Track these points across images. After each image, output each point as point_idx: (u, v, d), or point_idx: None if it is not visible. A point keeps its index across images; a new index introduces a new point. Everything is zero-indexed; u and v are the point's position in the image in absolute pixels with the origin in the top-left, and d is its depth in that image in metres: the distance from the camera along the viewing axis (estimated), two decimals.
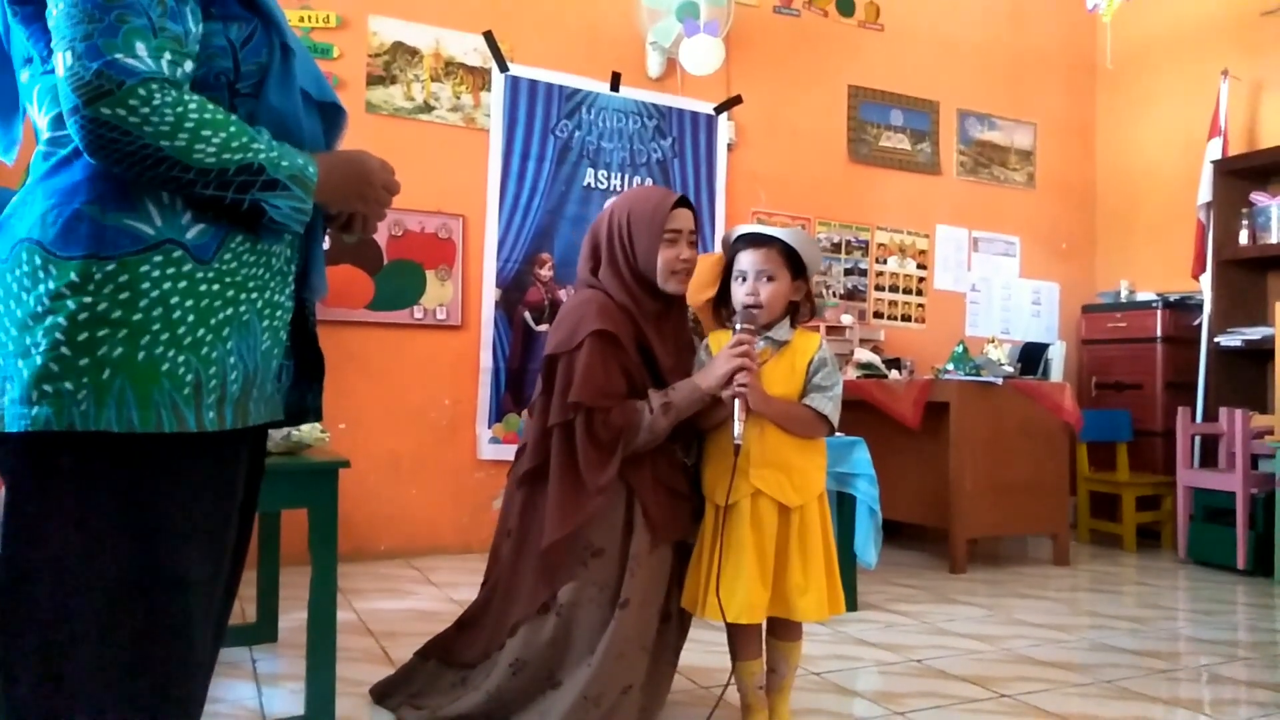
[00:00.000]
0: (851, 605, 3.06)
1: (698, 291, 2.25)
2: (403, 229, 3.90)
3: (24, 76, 1.09)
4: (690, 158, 4.43)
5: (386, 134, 3.87)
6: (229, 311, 1.06)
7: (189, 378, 1.02)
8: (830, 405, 1.88)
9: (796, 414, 1.88)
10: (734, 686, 1.99)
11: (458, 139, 4.01)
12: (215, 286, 1.05)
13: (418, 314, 3.93)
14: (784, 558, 1.86)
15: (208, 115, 0.99)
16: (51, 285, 0.98)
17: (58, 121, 1.03)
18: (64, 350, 0.97)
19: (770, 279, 1.90)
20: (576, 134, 4.18)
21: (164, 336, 1.00)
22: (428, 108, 3.98)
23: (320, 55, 3.77)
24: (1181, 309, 4.80)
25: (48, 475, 1.00)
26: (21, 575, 1.00)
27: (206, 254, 1.04)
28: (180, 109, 0.97)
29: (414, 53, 3.97)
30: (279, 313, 1.15)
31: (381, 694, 2.11)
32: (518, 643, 1.87)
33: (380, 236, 3.85)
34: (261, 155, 1.03)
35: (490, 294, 4.03)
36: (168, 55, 0.98)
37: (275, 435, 1.87)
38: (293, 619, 2.62)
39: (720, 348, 1.91)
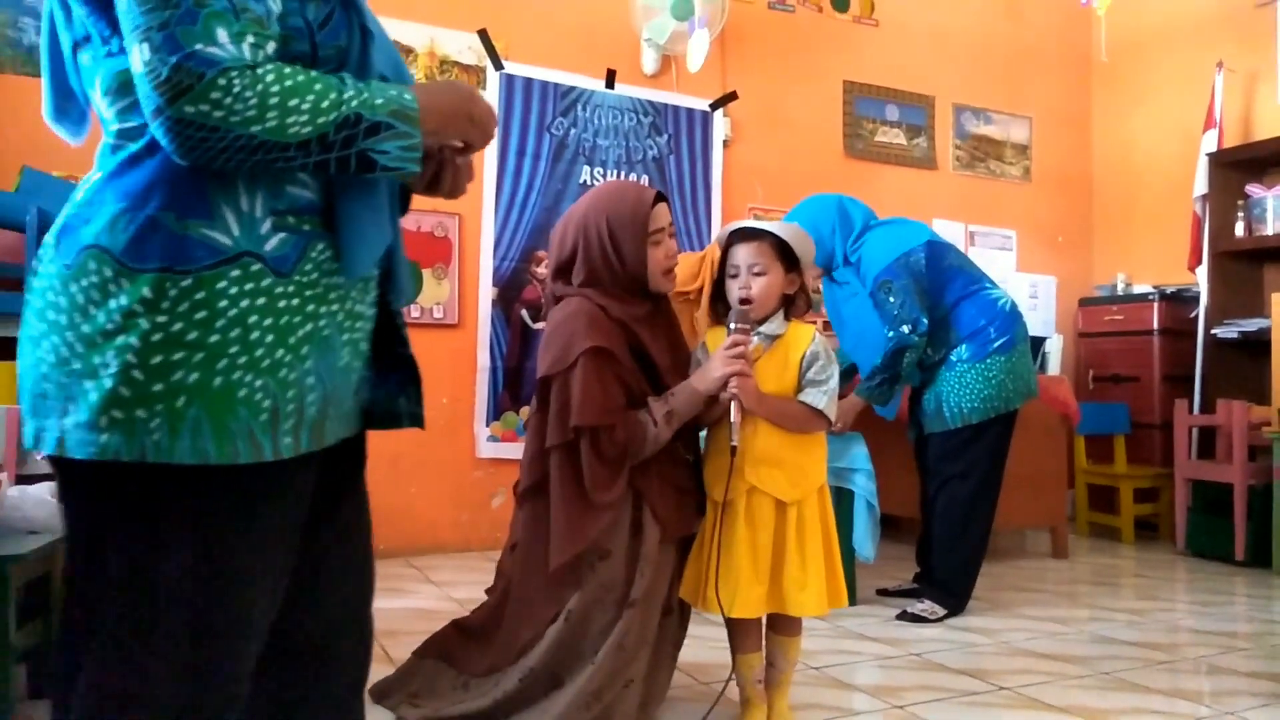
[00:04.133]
0: (850, 599, 3.05)
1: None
2: None
3: (84, 59, 1.00)
4: (686, 154, 4.43)
5: None
6: (308, 328, 0.98)
7: (266, 404, 0.95)
8: (825, 399, 1.88)
9: (791, 411, 1.88)
10: (734, 682, 1.99)
11: None
12: (295, 301, 0.97)
13: (414, 313, 3.92)
14: (781, 553, 1.86)
15: (289, 83, 0.90)
16: (124, 301, 0.90)
17: (127, 112, 0.96)
18: (136, 374, 0.89)
19: (762, 272, 1.90)
20: (572, 131, 4.18)
21: (241, 360, 0.93)
22: None
23: None
24: (1178, 301, 4.80)
25: (112, 504, 0.94)
26: (86, 599, 0.96)
27: (286, 265, 0.97)
28: (260, 86, 0.88)
29: (408, 51, 3.96)
30: (359, 324, 1.07)
31: (381, 694, 2.11)
32: (529, 658, 1.86)
33: None
34: (354, 102, 0.93)
35: (487, 292, 4.03)
36: (250, 39, 0.89)
37: None
38: None
39: (716, 346, 1.91)
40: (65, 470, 0.95)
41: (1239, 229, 4.56)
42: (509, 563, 1.98)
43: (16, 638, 1.95)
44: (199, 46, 0.86)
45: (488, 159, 4.03)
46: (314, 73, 0.94)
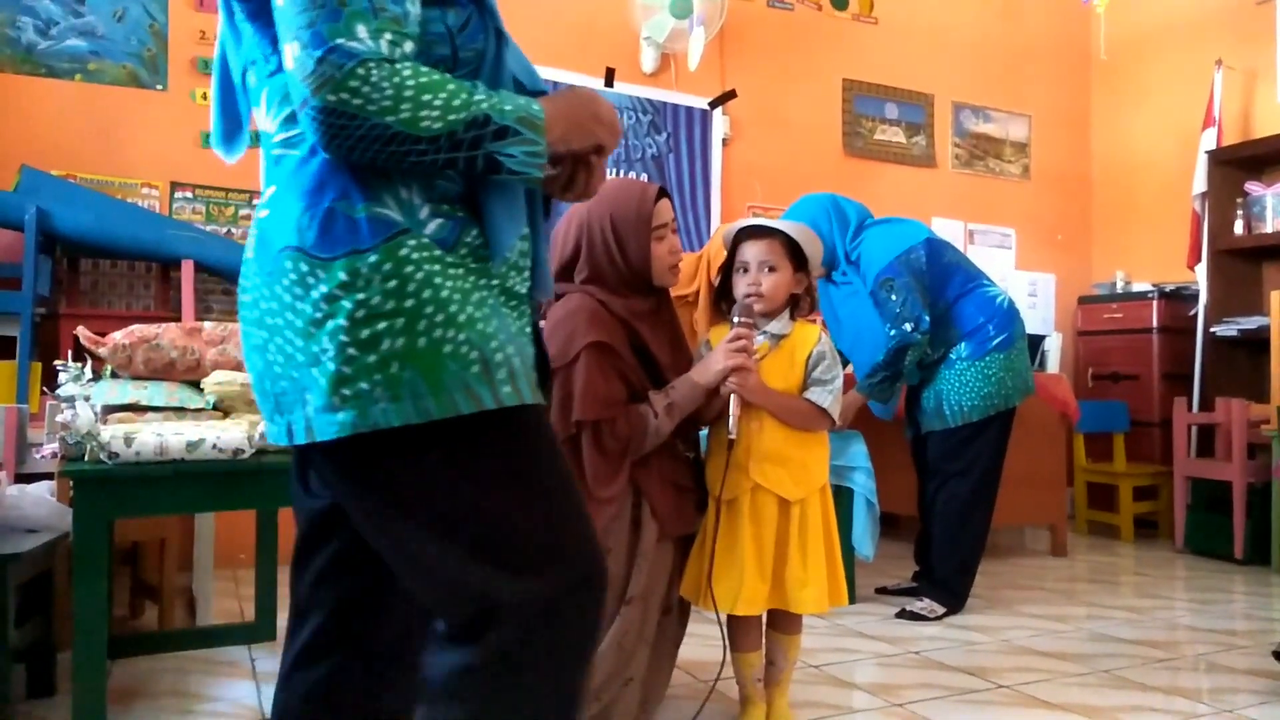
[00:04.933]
0: (850, 598, 3.05)
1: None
2: None
3: (251, 80, 1.08)
4: (685, 152, 4.43)
5: None
6: (479, 295, 1.03)
7: (473, 355, 1.00)
8: (830, 399, 1.88)
9: (795, 407, 1.88)
10: (728, 678, 1.99)
11: None
12: (461, 271, 1.02)
13: None
14: (784, 551, 1.86)
15: (424, 79, 0.96)
16: (324, 289, 0.97)
17: (288, 122, 1.03)
18: (351, 351, 0.96)
19: (772, 269, 1.90)
20: None
21: (438, 318, 0.98)
22: None
23: None
24: (1177, 299, 4.81)
25: (365, 476, 1.01)
26: (401, 553, 1.04)
27: (446, 245, 1.02)
28: (397, 79, 0.94)
29: None
30: (519, 304, 1.11)
31: None
32: None
33: None
34: (485, 104, 0.99)
35: None
36: (388, 36, 0.95)
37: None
38: None
39: (720, 342, 1.91)
40: (320, 456, 1.02)
41: (1238, 227, 4.56)
42: None
43: (15, 636, 1.95)
44: (341, 41, 0.93)
45: None
46: (448, 75, 0.99)
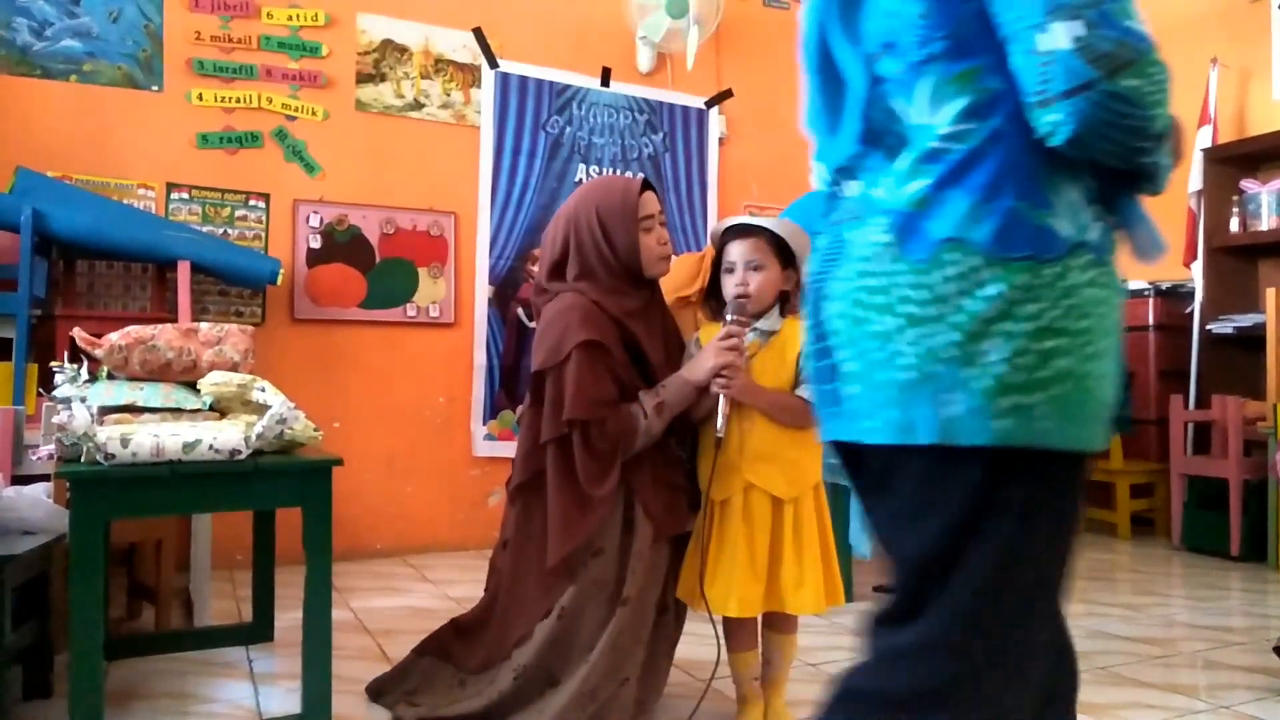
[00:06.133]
0: (847, 596, 3.06)
1: (672, 292, 2.24)
2: (394, 227, 3.89)
3: (889, 69, 1.03)
4: (682, 152, 4.43)
5: (377, 132, 3.87)
6: (1114, 318, 0.99)
7: (1101, 391, 0.97)
8: None
9: (787, 404, 1.88)
10: (722, 678, 1.99)
11: (448, 136, 4.01)
12: (1106, 292, 0.98)
13: (410, 312, 3.92)
14: (778, 550, 1.86)
15: (1166, 73, 0.92)
16: (1000, 288, 0.93)
17: (962, 116, 0.97)
18: (1025, 360, 0.92)
19: (759, 268, 1.90)
20: (567, 130, 4.18)
21: (1089, 348, 0.95)
22: (418, 105, 3.97)
23: (309, 54, 3.76)
24: (1173, 297, 4.81)
25: (993, 487, 0.96)
26: (962, 578, 0.99)
27: (1103, 255, 0.98)
28: (1165, 69, 0.91)
29: (403, 50, 3.96)
30: (1119, 316, 1.05)
31: (377, 691, 2.11)
32: (522, 653, 1.87)
33: (372, 234, 3.85)
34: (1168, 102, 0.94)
35: (483, 291, 4.03)
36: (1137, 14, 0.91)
37: (268, 434, 1.87)
38: (288, 618, 2.62)
39: (710, 340, 1.91)
40: (935, 457, 0.97)
41: (1234, 225, 4.57)
42: (501, 559, 1.99)
43: (11, 638, 1.95)
44: (1130, 23, 0.89)
45: (483, 158, 4.03)
46: None
